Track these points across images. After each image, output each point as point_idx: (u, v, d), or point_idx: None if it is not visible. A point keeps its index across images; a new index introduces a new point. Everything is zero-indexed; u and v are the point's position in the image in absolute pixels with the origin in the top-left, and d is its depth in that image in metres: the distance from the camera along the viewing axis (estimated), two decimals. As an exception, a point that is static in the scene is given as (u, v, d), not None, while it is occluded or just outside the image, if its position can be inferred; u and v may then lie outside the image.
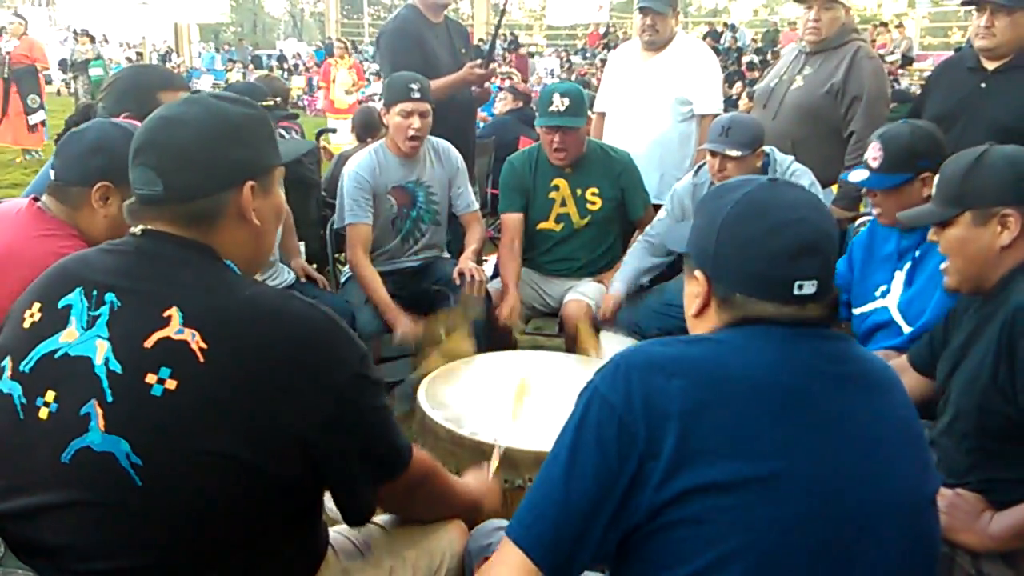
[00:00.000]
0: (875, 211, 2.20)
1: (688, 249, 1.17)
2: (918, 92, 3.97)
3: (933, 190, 1.70)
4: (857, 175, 2.19)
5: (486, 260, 3.51)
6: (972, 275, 1.61)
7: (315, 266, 3.68)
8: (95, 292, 1.13)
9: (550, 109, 2.98)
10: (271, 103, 2.97)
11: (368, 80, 18.71)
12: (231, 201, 1.18)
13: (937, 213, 1.65)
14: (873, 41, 13.43)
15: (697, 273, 1.12)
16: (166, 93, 2.12)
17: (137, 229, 1.19)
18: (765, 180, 1.12)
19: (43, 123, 9.27)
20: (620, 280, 2.98)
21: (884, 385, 1.09)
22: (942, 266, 1.67)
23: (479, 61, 3.55)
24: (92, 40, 13.21)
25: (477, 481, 1.57)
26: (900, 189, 2.11)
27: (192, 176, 1.16)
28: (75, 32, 14.66)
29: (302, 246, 3.36)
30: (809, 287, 1.04)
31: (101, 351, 1.08)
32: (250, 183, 1.19)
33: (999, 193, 1.55)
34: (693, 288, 1.14)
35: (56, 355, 1.11)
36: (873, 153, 2.14)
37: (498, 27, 4.32)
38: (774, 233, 1.05)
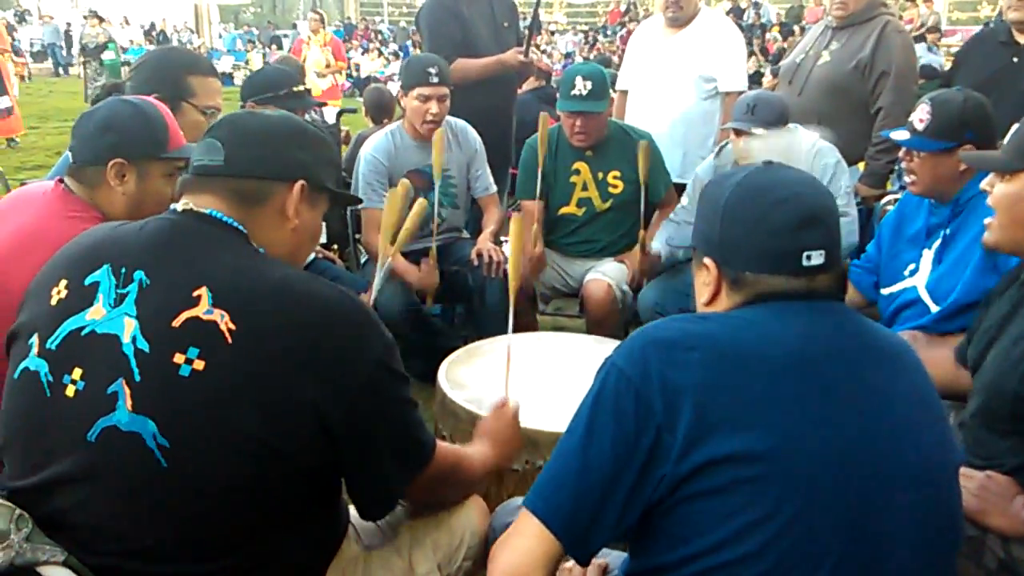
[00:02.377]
0: (907, 178, 2.13)
1: (694, 240, 1.18)
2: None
3: (1006, 140, 1.61)
4: (899, 134, 2.12)
5: (505, 241, 3.49)
6: (1015, 237, 1.55)
7: (336, 247, 3.70)
8: (123, 270, 1.13)
9: (572, 92, 2.93)
10: (302, 89, 2.96)
11: (387, 60, 18.66)
12: (279, 193, 1.23)
13: (1005, 161, 1.57)
14: (900, 16, 13.16)
15: (706, 260, 1.14)
16: (195, 76, 2.12)
17: (179, 206, 1.20)
18: (760, 164, 1.15)
19: (7, 110, 8.75)
20: (659, 242, 2.94)
21: (902, 359, 1.09)
22: (986, 221, 1.61)
23: (523, 48, 3.54)
24: (101, 21, 12.92)
25: (489, 438, 1.55)
26: (939, 157, 2.03)
27: (253, 155, 1.21)
28: (84, 14, 14.38)
29: (323, 227, 3.36)
30: (817, 257, 1.06)
31: (128, 329, 1.09)
32: (302, 182, 1.24)
33: None
34: (703, 277, 1.15)
35: (83, 332, 1.11)
36: (921, 115, 2.06)
37: (535, 14, 4.27)
38: (776, 207, 1.07)
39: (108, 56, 12.15)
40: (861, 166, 3.19)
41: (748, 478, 0.95)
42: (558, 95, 3.06)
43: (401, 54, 19.06)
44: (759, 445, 0.96)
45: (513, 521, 1.37)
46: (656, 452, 0.97)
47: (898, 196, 2.71)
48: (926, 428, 1.06)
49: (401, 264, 2.94)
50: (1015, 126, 1.59)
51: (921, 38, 11.76)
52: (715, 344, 1.02)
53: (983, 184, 1.63)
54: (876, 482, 0.99)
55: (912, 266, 2.17)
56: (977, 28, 7.89)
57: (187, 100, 2.09)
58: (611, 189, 3.10)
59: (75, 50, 18.74)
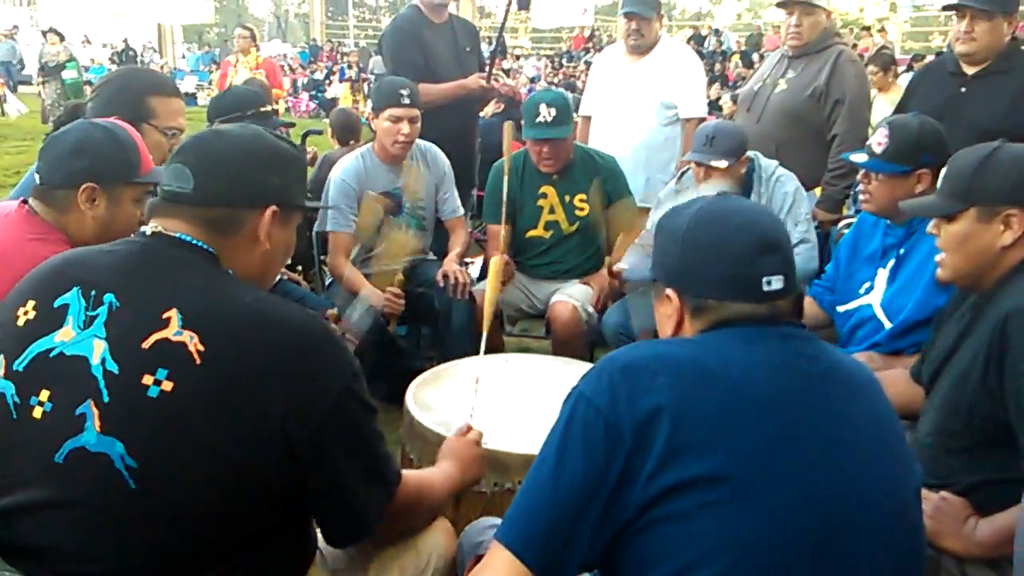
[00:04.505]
0: (862, 197, 2.20)
1: (653, 272, 1.20)
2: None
3: (939, 183, 1.67)
4: (859, 156, 2.18)
5: (471, 262, 3.51)
6: (968, 272, 1.61)
7: (300, 268, 3.68)
8: (93, 292, 1.13)
9: (537, 120, 2.97)
10: (269, 109, 2.95)
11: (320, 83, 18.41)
12: (250, 220, 1.22)
13: (942, 206, 1.63)
14: (855, 45, 13.51)
15: (668, 291, 1.15)
16: (156, 98, 2.09)
17: (148, 229, 1.20)
18: (715, 195, 1.18)
19: None
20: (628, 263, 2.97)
21: (861, 384, 1.12)
22: (937, 258, 1.66)
23: (485, 72, 3.61)
24: (62, 39, 12.33)
25: (453, 458, 1.54)
26: (896, 179, 2.11)
27: (223, 183, 1.20)
28: (43, 31, 13.74)
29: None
30: (777, 282, 1.09)
31: (98, 351, 1.09)
32: (273, 208, 1.23)
33: (1007, 192, 1.54)
34: (665, 309, 1.16)
35: (51, 354, 1.10)
36: (879, 138, 2.13)
37: (499, 38, 4.34)
38: (734, 235, 1.10)
39: (69, 75, 11.68)
40: (818, 191, 3.27)
41: (711, 502, 0.96)
42: (523, 122, 3.10)
43: (337, 77, 18.90)
44: (723, 469, 0.97)
45: (482, 541, 1.38)
46: (625, 478, 0.98)
47: (853, 220, 2.78)
48: (887, 451, 1.08)
49: (365, 286, 2.95)
50: (943, 171, 1.65)
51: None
52: (680, 368, 1.03)
53: (929, 228, 1.70)
54: (839, 505, 1.01)
55: (867, 284, 2.24)
56: (931, 57, 8.13)
57: (148, 121, 2.07)
58: (578, 212, 3.14)
59: (33, 68, 18.30)
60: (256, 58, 7.48)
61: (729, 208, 1.14)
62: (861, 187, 2.22)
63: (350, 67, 19.14)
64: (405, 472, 1.30)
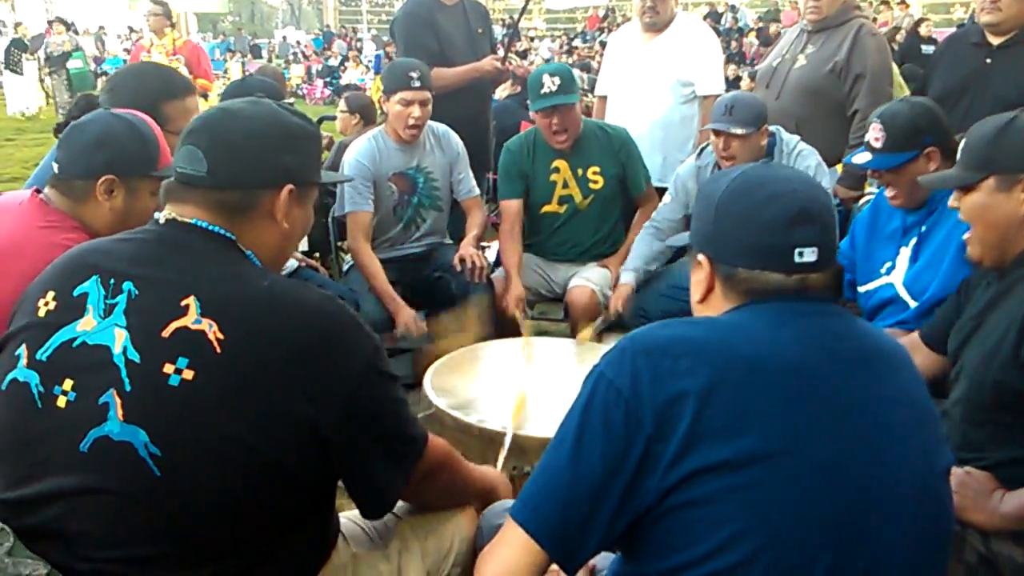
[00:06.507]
0: (888, 193, 2.18)
1: (690, 237, 1.17)
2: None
3: (958, 155, 1.66)
4: (861, 157, 2.16)
5: (488, 246, 3.50)
6: (994, 243, 1.59)
7: (318, 255, 3.69)
8: (112, 280, 1.13)
9: (543, 91, 2.95)
10: (287, 104, 2.94)
11: (367, 67, 18.49)
12: (266, 200, 1.21)
13: (961, 177, 1.61)
14: (874, 18, 13.27)
15: (700, 257, 1.13)
16: (168, 103, 2.05)
17: (161, 217, 1.20)
18: (760, 163, 1.14)
19: None
20: (630, 270, 2.96)
21: (893, 362, 1.09)
22: (965, 236, 1.65)
23: (500, 55, 3.61)
24: (67, 28, 12.06)
25: (492, 471, 1.59)
26: (906, 167, 2.07)
27: (237, 166, 1.19)
28: (49, 21, 13.50)
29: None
30: (810, 254, 1.05)
31: (119, 340, 1.09)
32: (289, 187, 1.22)
33: None
34: (697, 274, 1.14)
35: (74, 344, 1.11)
36: (875, 134, 2.10)
37: (517, 21, 4.32)
38: (769, 203, 1.06)
39: (75, 65, 11.42)
40: (839, 168, 3.22)
41: (737, 486, 0.94)
42: (529, 100, 3.08)
43: (372, 65, 18.59)
44: (748, 453, 0.95)
45: (501, 524, 1.38)
46: (645, 463, 0.96)
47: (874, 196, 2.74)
48: (916, 433, 1.05)
49: (396, 302, 2.94)
50: (963, 141, 1.62)
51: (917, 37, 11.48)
52: (705, 351, 1.00)
53: (951, 202, 1.68)
54: (866, 489, 0.99)
55: (888, 264, 2.21)
56: (951, 30, 7.98)
57: (164, 128, 2.03)
58: (591, 184, 3.11)
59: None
60: (173, 40, 6.28)
61: (768, 176, 1.10)
62: (879, 182, 2.19)
63: (387, 56, 18.66)
64: (433, 436, 1.30)
